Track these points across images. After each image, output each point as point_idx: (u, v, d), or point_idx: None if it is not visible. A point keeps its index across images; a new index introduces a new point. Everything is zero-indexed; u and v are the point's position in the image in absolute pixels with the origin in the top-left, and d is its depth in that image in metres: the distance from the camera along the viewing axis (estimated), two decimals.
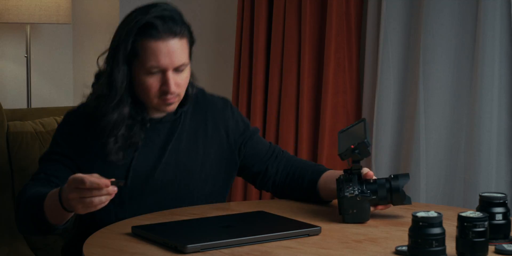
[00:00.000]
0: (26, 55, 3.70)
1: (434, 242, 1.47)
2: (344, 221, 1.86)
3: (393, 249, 1.62)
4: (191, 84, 2.05)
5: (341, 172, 1.95)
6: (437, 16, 2.81)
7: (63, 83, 4.04)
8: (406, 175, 1.89)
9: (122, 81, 1.93)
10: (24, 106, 3.78)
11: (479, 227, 1.52)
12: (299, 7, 3.13)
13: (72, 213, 1.75)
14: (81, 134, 1.98)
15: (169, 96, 1.93)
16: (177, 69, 1.93)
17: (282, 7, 3.16)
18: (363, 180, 1.87)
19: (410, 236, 1.50)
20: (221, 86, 3.69)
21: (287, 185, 2.12)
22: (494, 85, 2.69)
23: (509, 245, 1.62)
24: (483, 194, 1.68)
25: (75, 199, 1.63)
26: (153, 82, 1.92)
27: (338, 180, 1.88)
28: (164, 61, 1.90)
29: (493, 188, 2.69)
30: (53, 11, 3.55)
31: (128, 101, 1.96)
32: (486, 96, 2.69)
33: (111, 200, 1.70)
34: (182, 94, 1.99)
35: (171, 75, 1.92)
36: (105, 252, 1.62)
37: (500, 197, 1.67)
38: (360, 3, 3.08)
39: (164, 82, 1.92)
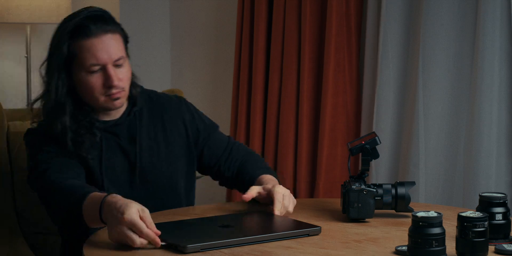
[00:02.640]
0: (26, 55, 3.70)
1: (434, 242, 1.48)
2: (348, 216, 1.86)
3: (393, 249, 1.62)
4: (133, 84, 2.08)
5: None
6: (437, 16, 2.81)
7: None
8: (412, 183, 1.90)
9: (61, 88, 1.99)
10: (24, 106, 3.78)
11: (479, 227, 1.52)
12: (299, 7, 3.13)
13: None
14: (51, 144, 1.99)
15: (114, 91, 1.97)
16: (117, 64, 1.98)
17: (282, 7, 3.16)
18: (369, 184, 1.88)
19: (410, 236, 1.50)
20: (221, 86, 3.70)
21: (234, 181, 2.17)
22: (494, 85, 2.69)
23: (509, 245, 1.62)
24: (483, 194, 1.69)
25: (120, 233, 1.63)
26: (96, 80, 1.97)
27: (344, 185, 1.90)
28: (102, 56, 1.95)
29: (493, 188, 2.69)
30: (53, 11, 3.55)
31: (67, 110, 1.99)
32: (486, 95, 2.69)
33: None
34: (127, 89, 2.02)
35: (112, 69, 1.96)
36: (105, 252, 1.62)
37: (500, 197, 1.67)
38: (360, 3, 3.08)
39: (107, 77, 1.96)
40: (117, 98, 1.99)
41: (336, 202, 2.06)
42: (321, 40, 3.11)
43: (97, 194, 1.77)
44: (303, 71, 3.11)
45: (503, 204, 1.67)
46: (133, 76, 2.08)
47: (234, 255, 1.58)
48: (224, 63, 3.65)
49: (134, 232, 1.61)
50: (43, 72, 2.04)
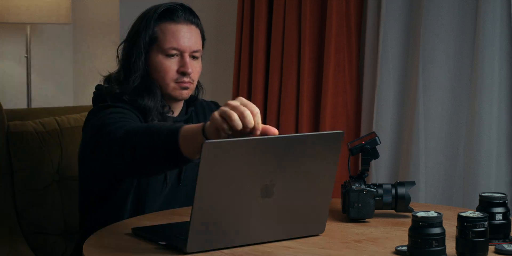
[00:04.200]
0: (26, 55, 3.70)
1: (434, 242, 1.48)
2: (348, 216, 1.86)
3: (393, 249, 1.62)
4: (197, 87, 2.13)
5: None
6: (437, 16, 2.81)
7: (63, 83, 4.04)
8: (412, 183, 1.90)
9: (142, 67, 2.01)
10: (24, 106, 3.78)
11: (479, 227, 1.52)
12: (299, 7, 3.13)
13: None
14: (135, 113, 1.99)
15: (185, 79, 2.02)
16: (193, 56, 2.03)
17: (282, 7, 3.16)
18: (369, 184, 1.88)
19: (410, 236, 1.50)
20: (221, 86, 3.69)
21: None
22: (494, 85, 2.69)
23: (509, 245, 1.62)
24: (483, 194, 1.69)
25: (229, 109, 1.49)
26: (171, 64, 2.01)
27: (344, 185, 1.90)
28: (183, 43, 2.01)
29: (493, 188, 2.69)
30: (53, 11, 3.55)
31: (158, 85, 2.01)
32: (486, 95, 2.69)
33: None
34: (195, 83, 2.07)
35: (188, 58, 2.01)
36: (105, 252, 1.62)
37: (500, 197, 1.67)
38: (360, 3, 3.08)
39: (183, 64, 2.01)
40: (186, 88, 2.03)
41: (336, 202, 2.06)
42: (321, 40, 3.11)
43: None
44: (303, 71, 3.11)
45: (503, 204, 1.67)
46: (199, 82, 2.13)
47: (234, 255, 1.58)
48: (224, 63, 3.65)
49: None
50: (121, 52, 2.07)
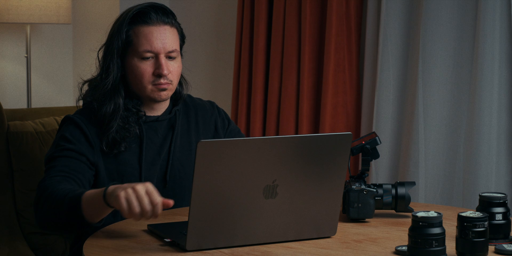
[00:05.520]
0: (26, 55, 3.70)
1: (434, 242, 1.48)
2: (348, 216, 1.86)
3: (393, 249, 1.62)
4: (181, 84, 2.13)
5: None
6: (436, 16, 2.81)
7: (63, 83, 4.04)
8: (412, 183, 1.90)
9: (116, 72, 2.01)
10: (24, 106, 3.78)
11: (479, 227, 1.52)
12: (299, 7, 3.13)
13: (110, 210, 1.71)
14: (88, 133, 2.00)
15: (162, 81, 2.00)
16: (169, 56, 2.02)
17: (282, 7, 3.17)
18: (369, 184, 1.88)
19: (410, 236, 1.50)
20: (221, 86, 3.69)
21: None
22: (494, 85, 2.69)
23: (509, 245, 1.62)
24: (483, 194, 1.69)
25: (131, 191, 1.61)
26: (147, 67, 2.00)
27: (344, 185, 1.90)
28: (157, 44, 1.99)
29: (493, 188, 2.69)
30: (53, 11, 3.55)
31: (121, 93, 2.02)
32: (485, 96, 2.69)
33: None
34: (175, 83, 2.06)
35: (163, 59, 2.00)
36: (105, 252, 1.62)
37: (500, 197, 1.67)
38: (360, 3, 3.08)
39: (158, 66, 2.00)
40: (164, 89, 2.02)
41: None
42: (321, 40, 3.11)
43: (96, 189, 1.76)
44: (303, 71, 3.11)
45: (503, 204, 1.67)
46: (183, 78, 2.13)
47: (234, 255, 1.58)
48: (224, 63, 3.65)
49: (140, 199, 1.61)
50: (100, 55, 2.08)
